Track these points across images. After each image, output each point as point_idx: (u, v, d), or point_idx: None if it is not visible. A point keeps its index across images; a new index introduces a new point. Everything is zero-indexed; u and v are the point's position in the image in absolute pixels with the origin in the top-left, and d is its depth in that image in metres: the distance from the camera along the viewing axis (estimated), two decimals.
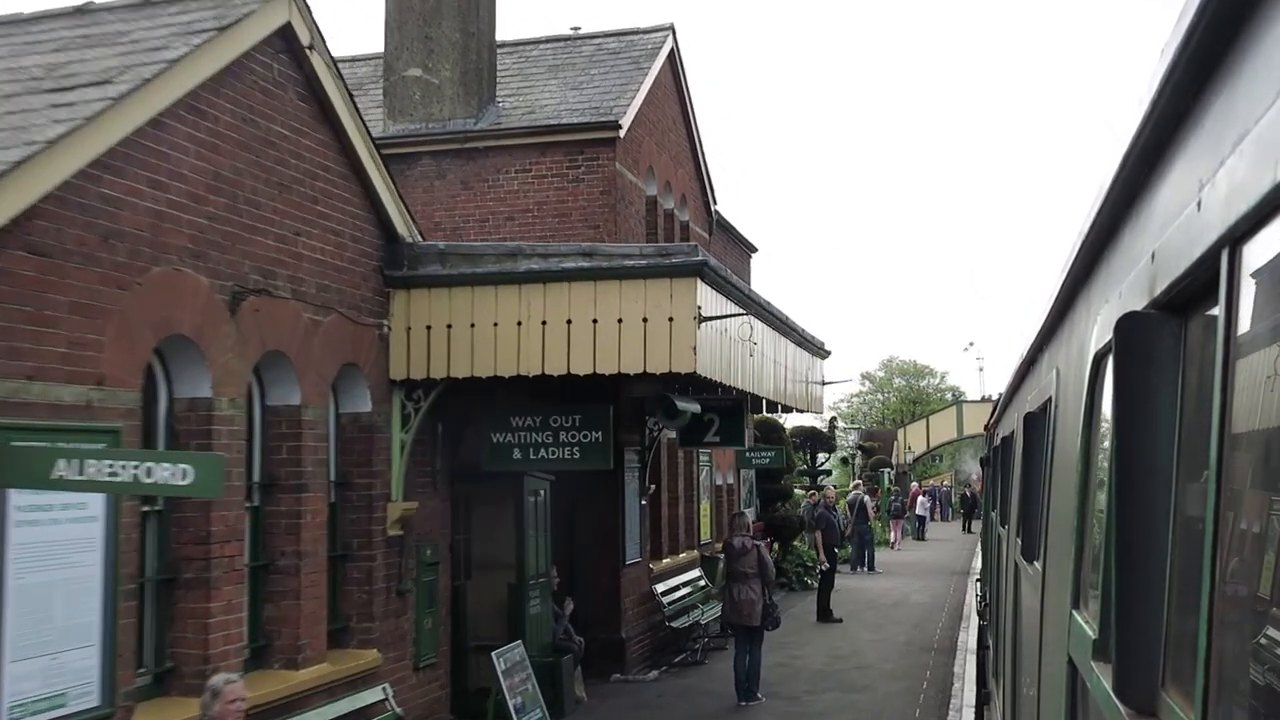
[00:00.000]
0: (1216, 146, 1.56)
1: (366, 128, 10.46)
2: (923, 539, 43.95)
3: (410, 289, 10.78)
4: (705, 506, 22.80)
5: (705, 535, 22.49)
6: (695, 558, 21.24)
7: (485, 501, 14.84)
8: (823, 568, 22.44)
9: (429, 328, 10.72)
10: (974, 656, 15.67)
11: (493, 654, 11.21)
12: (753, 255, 28.68)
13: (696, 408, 11.07)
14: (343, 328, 10.05)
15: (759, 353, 12.55)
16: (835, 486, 41.76)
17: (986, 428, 15.83)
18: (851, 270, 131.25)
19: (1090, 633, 2.45)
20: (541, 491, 14.59)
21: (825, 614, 21.71)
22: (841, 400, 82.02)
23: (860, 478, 42.98)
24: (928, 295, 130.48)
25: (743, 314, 10.53)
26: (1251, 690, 1.39)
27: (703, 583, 20.41)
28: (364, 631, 10.34)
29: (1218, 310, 1.54)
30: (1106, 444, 2.43)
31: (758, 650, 14.44)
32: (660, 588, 18.26)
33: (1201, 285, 1.70)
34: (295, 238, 9.45)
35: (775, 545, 28.29)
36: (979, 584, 17.50)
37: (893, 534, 41.37)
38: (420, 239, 11.12)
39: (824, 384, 17.98)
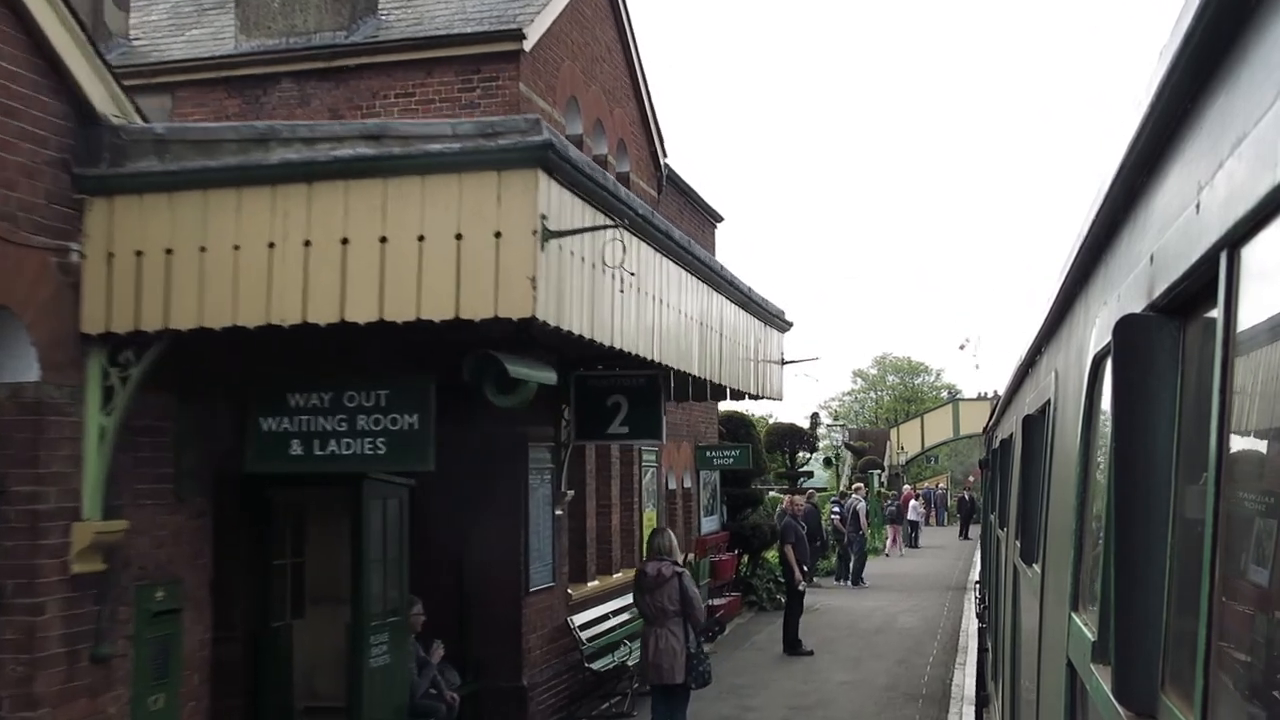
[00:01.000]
0: (1215, 148, 1.56)
1: None
2: (915, 546, 40.49)
3: (113, 195, 7.04)
4: (650, 516, 19.05)
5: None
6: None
7: (323, 512, 11.23)
8: (801, 586, 18.67)
9: (140, 254, 6.97)
10: (972, 709, 12.43)
11: None
12: (718, 225, 24.94)
13: (550, 377, 7.26)
14: None
15: (665, 304, 8.78)
16: (820, 490, 38.32)
17: (985, 430, 14.89)
18: (846, 264, 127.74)
19: (1089, 635, 2.46)
20: (394, 499, 10.91)
21: (793, 644, 18.07)
22: (832, 399, 78.77)
23: (855, 480, 39.43)
24: (924, 290, 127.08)
25: (613, 225, 6.75)
26: (1251, 692, 1.40)
27: None
28: None
29: (1216, 313, 1.55)
30: (1105, 446, 2.41)
31: (681, 715, 10.72)
32: (580, 619, 14.52)
33: (1200, 287, 1.70)
34: None
35: (745, 558, 24.79)
36: (979, 585, 16.30)
37: (889, 540, 37.93)
38: (140, 121, 7.37)
39: (783, 363, 14.20)
